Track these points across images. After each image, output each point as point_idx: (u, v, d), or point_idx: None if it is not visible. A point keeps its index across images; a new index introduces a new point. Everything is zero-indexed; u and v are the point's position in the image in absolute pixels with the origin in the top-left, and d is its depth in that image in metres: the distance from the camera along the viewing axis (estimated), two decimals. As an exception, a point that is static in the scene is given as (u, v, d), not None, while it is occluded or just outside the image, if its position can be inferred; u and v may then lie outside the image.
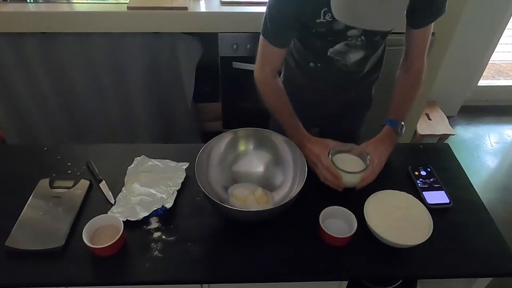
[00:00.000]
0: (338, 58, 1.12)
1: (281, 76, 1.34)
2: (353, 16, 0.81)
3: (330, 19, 0.98)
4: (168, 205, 1.00)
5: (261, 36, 1.07)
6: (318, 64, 1.17)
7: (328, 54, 1.11)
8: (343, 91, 1.26)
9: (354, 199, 1.00)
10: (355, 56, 1.11)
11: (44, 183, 1.05)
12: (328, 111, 1.36)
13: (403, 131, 1.12)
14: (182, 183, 1.05)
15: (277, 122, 1.15)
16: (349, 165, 1.01)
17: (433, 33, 1.81)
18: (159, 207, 0.98)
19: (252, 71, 1.15)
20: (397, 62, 1.18)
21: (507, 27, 2.42)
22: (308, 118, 1.18)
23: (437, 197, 1.06)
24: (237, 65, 1.86)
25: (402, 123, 1.12)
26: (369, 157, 1.02)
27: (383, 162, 1.07)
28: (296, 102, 1.16)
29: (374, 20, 0.80)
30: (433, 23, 1.07)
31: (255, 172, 1.09)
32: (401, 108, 1.15)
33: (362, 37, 1.05)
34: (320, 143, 1.06)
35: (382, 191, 1.01)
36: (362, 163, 1.03)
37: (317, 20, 1.00)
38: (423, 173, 1.12)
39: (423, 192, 1.06)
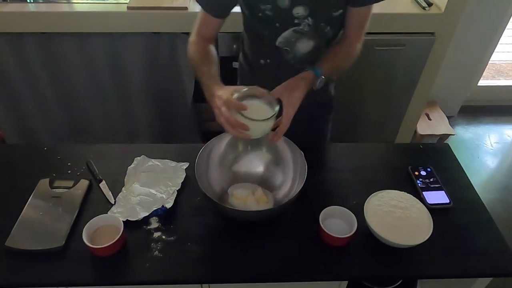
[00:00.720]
0: (287, 49, 1.11)
1: (237, 82, 1.36)
2: None
3: None
4: (168, 205, 1.00)
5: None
6: (268, 60, 1.17)
7: (277, 44, 1.10)
8: None
9: (354, 199, 1.00)
10: (304, 47, 1.11)
11: (44, 183, 1.05)
12: None
13: (320, 84, 1.02)
14: (182, 183, 1.05)
15: None
16: (258, 112, 0.88)
17: (433, 33, 1.86)
18: (159, 207, 0.98)
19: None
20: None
21: (507, 27, 2.42)
22: None
23: (437, 197, 1.06)
24: (237, 65, 1.86)
25: (323, 76, 1.02)
26: (278, 106, 0.90)
27: (295, 108, 0.94)
28: None
29: None
30: (372, 5, 1.04)
31: (255, 172, 1.09)
32: (327, 64, 1.06)
33: (309, 19, 1.04)
34: (229, 88, 0.93)
35: (382, 191, 1.01)
36: (270, 110, 0.90)
37: None
38: (423, 173, 1.12)
39: (423, 192, 1.06)
